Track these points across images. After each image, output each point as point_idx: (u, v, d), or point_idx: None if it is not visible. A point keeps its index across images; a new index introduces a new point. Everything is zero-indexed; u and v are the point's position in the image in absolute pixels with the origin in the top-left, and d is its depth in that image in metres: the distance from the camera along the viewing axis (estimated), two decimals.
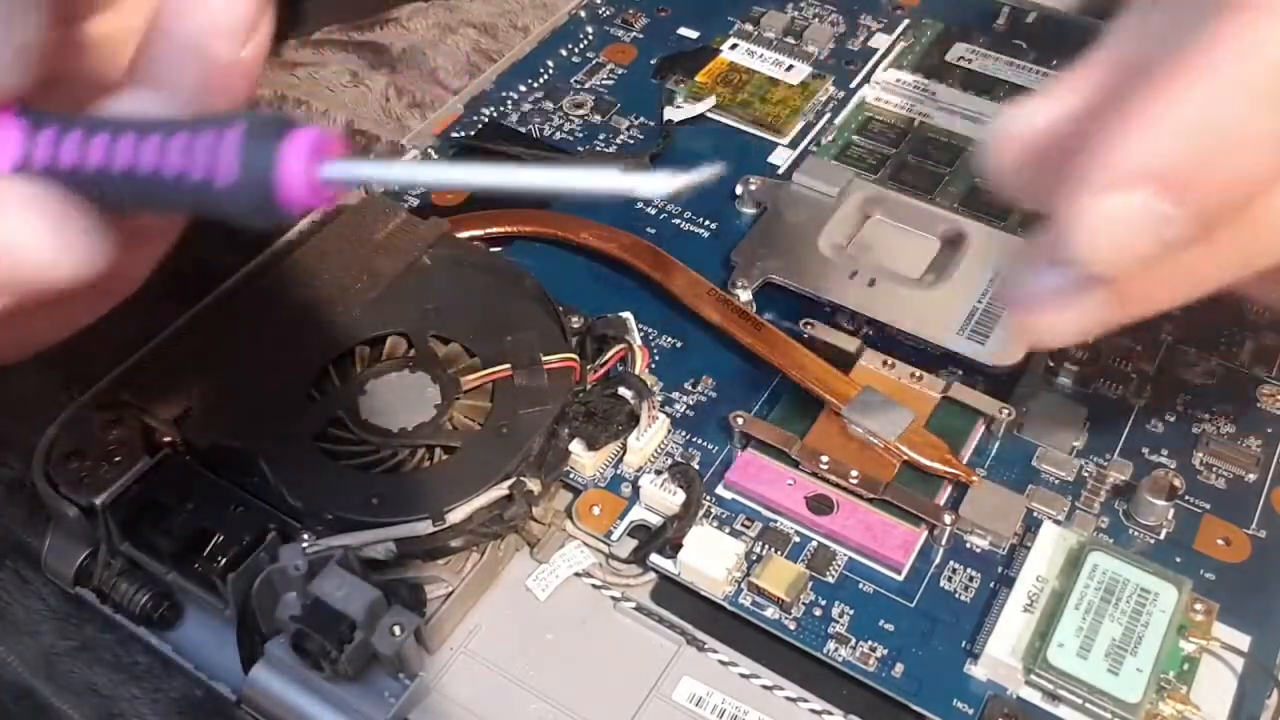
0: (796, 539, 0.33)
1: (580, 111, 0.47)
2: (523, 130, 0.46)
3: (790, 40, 0.49)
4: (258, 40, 0.22)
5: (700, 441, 0.36)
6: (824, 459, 0.34)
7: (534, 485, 0.32)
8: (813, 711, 0.30)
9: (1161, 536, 0.33)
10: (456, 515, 0.31)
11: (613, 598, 0.32)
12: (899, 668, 0.30)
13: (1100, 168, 0.20)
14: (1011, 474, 0.35)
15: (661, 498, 0.33)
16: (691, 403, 0.37)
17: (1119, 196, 0.20)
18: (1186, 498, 0.34)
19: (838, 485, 0.34)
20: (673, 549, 0.32)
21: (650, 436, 0.35)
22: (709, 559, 0.32)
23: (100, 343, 0.41)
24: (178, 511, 0.32)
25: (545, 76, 0.48)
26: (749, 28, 0.50)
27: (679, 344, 0.38)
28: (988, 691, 0.30)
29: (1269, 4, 0.20)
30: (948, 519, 0.32)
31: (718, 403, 0.36)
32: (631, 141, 0.45)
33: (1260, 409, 0.36)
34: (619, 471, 0.35)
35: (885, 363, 0.37)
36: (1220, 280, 0.23)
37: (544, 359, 0.34)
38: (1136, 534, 0.33)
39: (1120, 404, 0.36)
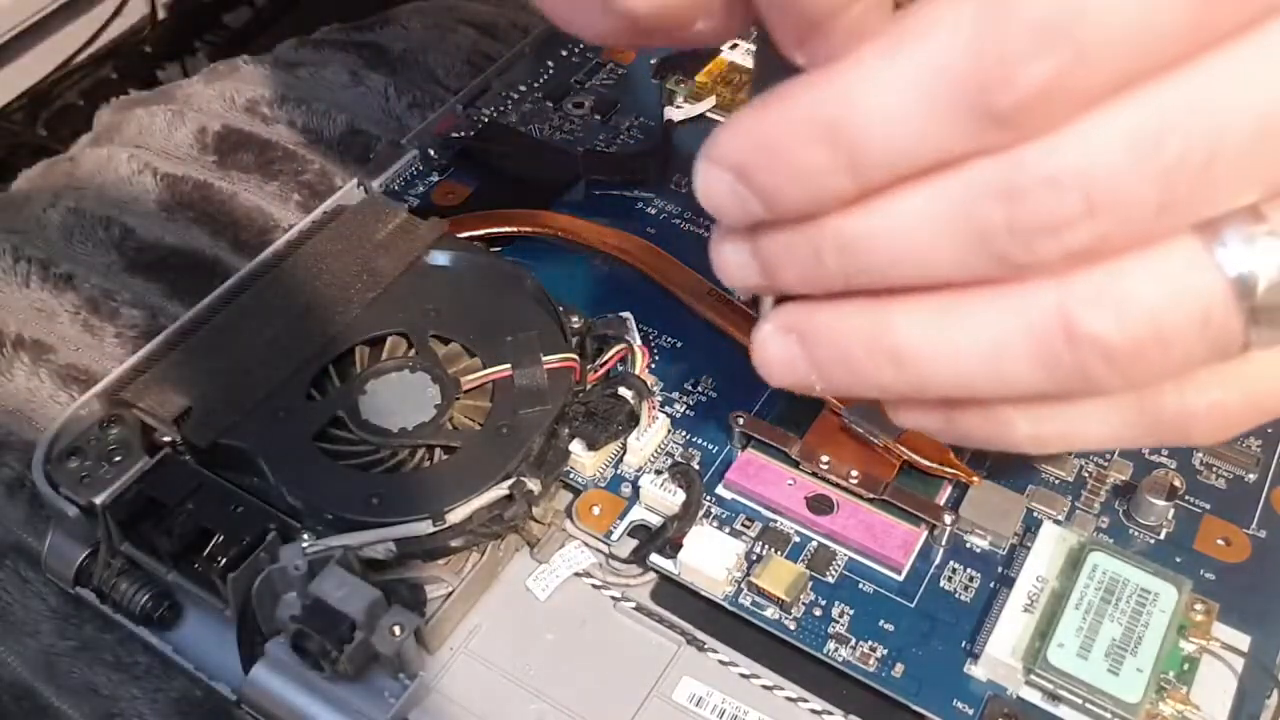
0: (796, 539, 0.33)
1: (580, 111, 0.47)
2: (523, 130, 0.46)
3: None
4: None
5: (700, 441, 0.36)
6: (824, 459, 0.34)
7: (534, 485, 0.32)
8: (813, 711, 0.30)
9: (1161, 536, 0.33)
10: (456, 515, 0.31)
11: (613, 598, 0.32)
12: (899, 668, 0.30)
13: (710, 141, 0.22)
14: (1012, 474, 0.35)
15: (661, 498, 0.33)
16: (691, 403, 0.37)
17: (713, 169, 0.22)
18: (1186, 498, 0.34)
19: (838, 485, 0.33)
20: (673, 549, 0.32)
21: (650, 436, 0.35)
22: (709, 559, 0.32)
23: (100, 343, 0.41)
24: (178, 511, 0.32)
25: (545, 76, 0.48)
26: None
27: (679, 344, 0.38)
28: (988, 691, 0.30)
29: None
30: (948, 519, 0.32)
31: (718, 403, 0.36)
32: (631, 141, 0.45)
33: None
34: (619, 471, 0.35)
35: None
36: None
37: (544, 359, 0.34)
38: (1136, 534, 0.33)
39: None
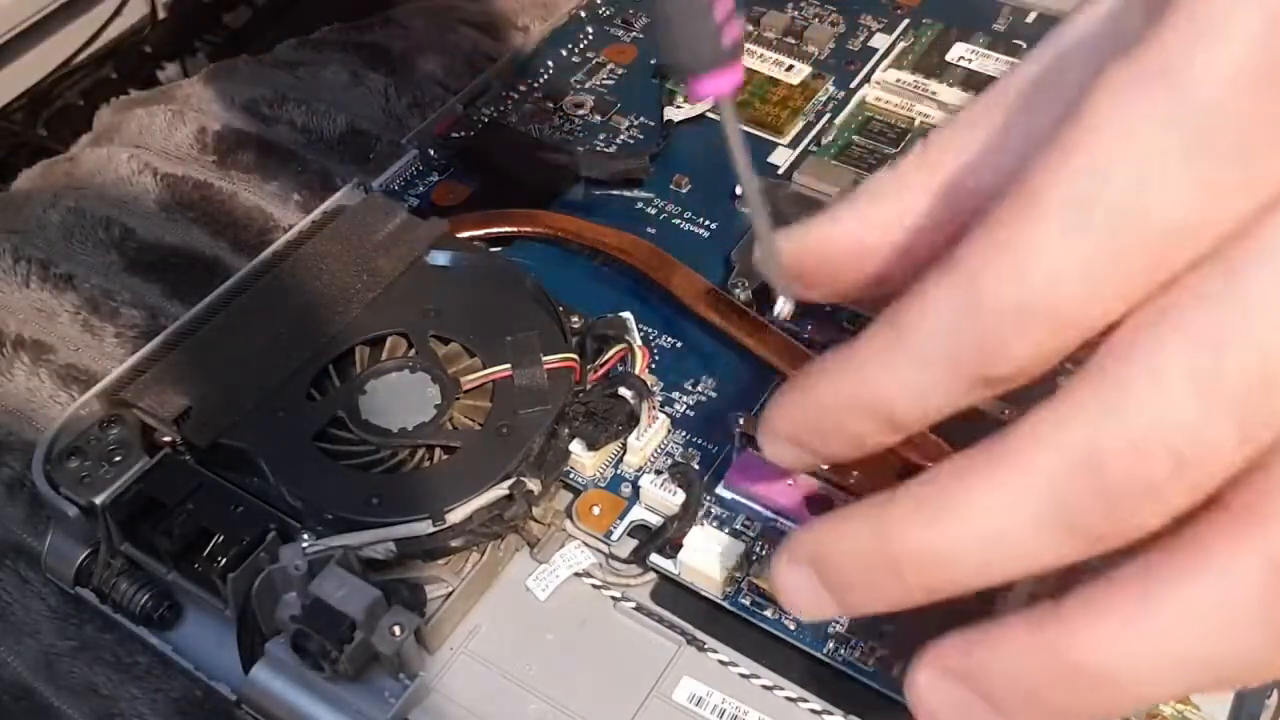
0: None
1: (580, 111, 0.47)
2: (522, 130, 0.46)
3: (790, 40, 0.49)
4: None
5: (700, 441, 0.36)
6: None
7: (534, 485, 0.32)
8: (813, 711, 0.30)
9: None
10: (456, 515, 0.31)
11: (613, 598, 0.32)
12: (899, 667, 0.30)
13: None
14: None
15: (661, 498, 0.33)
16: (691, 403, 0.37)
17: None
18: None
19: (838, 485, 0.33)
20: (673, 549, 0.32)
21: (650, 436, 0.35)
22: (709, 559, 0.32)
23: (100, 343, 0.41)
24: (178, 511, 0.32)
25: (545, 76, 0.48)
26: (749, 28, 0.50)
27: (679, 344, 0.38)
28: None
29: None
30: None
31: (718, 403, 0.36)
32: (631, 141, 0.45)
33: None
34: (619, 471, 0.35)
35: None
36: None
37: (544, 359, 0.34)
38: None
39: None
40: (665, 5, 0.23)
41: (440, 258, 0.38)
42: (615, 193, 0.43)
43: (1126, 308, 0.19)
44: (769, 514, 0.34)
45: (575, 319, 0.37)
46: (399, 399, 0.34)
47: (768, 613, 0.31)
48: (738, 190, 0.42)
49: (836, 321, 0.38)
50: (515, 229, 0.41)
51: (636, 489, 0.34)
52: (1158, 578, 0.19)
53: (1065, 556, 0.20)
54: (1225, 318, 0.18)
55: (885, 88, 0.47)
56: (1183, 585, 0.19)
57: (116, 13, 0.69)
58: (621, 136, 0.46)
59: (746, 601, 0.32)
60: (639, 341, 0.36)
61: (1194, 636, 0.19)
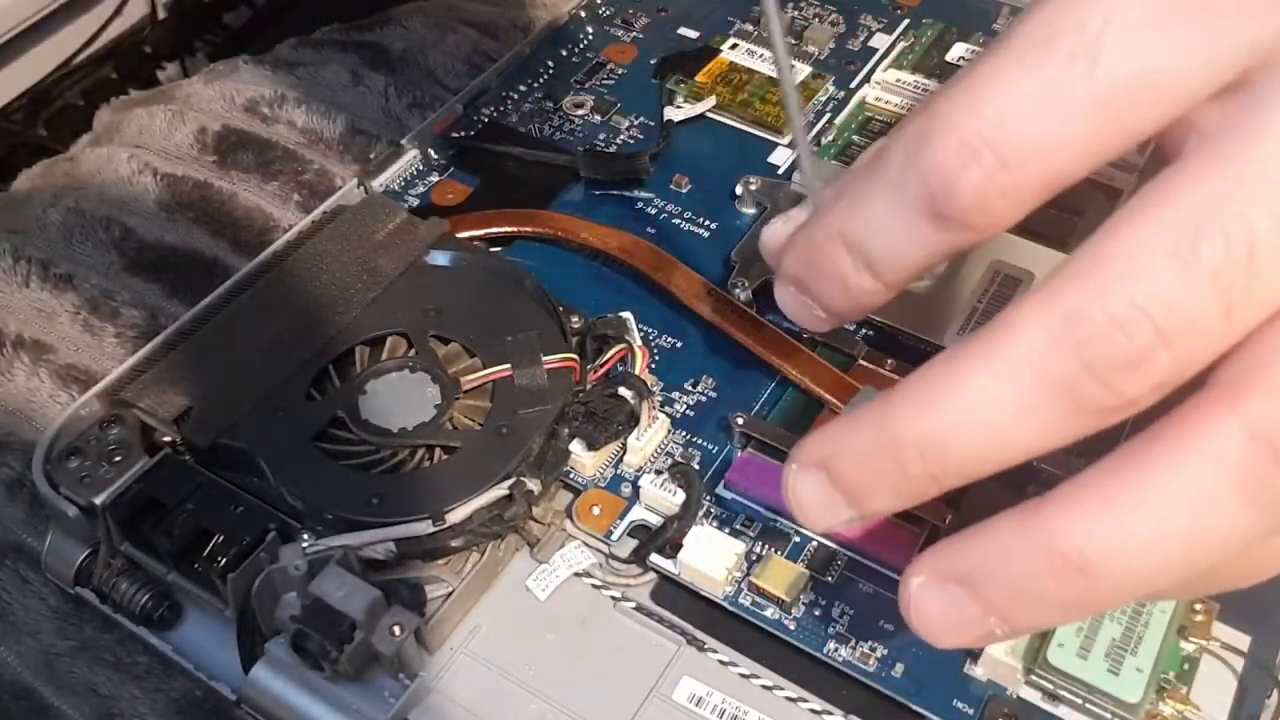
0: (796, 539, 0.33)
1: (580, 111, 0.46)
2: (522, 130, 0.46)
3: (790, 40, 0.49)
4: None
5: (700, 441, 0.36)
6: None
7: (534, 485, 0.32)
8: (813, 711, 0.30)
9: None
10: (456, 515, 0.31)
11: (613, 598, 0.32)
12: (899, 667, 0.30)
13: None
14: (1012, 473, 0.34)
15: (661, 498, 0.33)
16: (691, 403, 0.37)
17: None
18: None
19: None
20: (673, 549, 0.32)
21: (650, 436, 0.35)
22: (709, 559, 0.32)
23: (100, 343, 0.41)
24: (178, 511, 0.32)
25: (545, 76, 0.48)
26: (749, 28, 0.50)
27: (679, 344, 0.38)
28: (988, 691, 0.30)
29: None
30: (948, 518, 0.32)
31: (718, 403, 0.36)
32: (631, 141, 0.45)
33: None
34: (619, 471, 0.35)
35: (885, 363, 0.37)
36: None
37: (544, 359, 0.34)
38: None
39: None
40: None
41: (440, 258, 0.38)
42: (615, 193, 0.43)
43: (1087, 164, 0.20)
44: (769, 514, 0.34)
45: (575, 319, 0.37)
46: (399, 399, 0.34)
47: (768, 613, 0.31)
48: (737, 190, 0.42)
49: None
50: (515, 229, 0.41)
51: (636, 489, 0.34)
52: (1140, 460, 0.19)
53: (1060, 435, 0.20)
54: (1209, 194, 0.19)
55: (885, 88, 0.47)
56: (1163, 466, 0.19)
57: (116, 13, 0.69)
58: (621, 136, 0.46)
59: (746, 601, 0.32)
60: (639, 341, 0.36)
61: (1175, 518, 0.19)
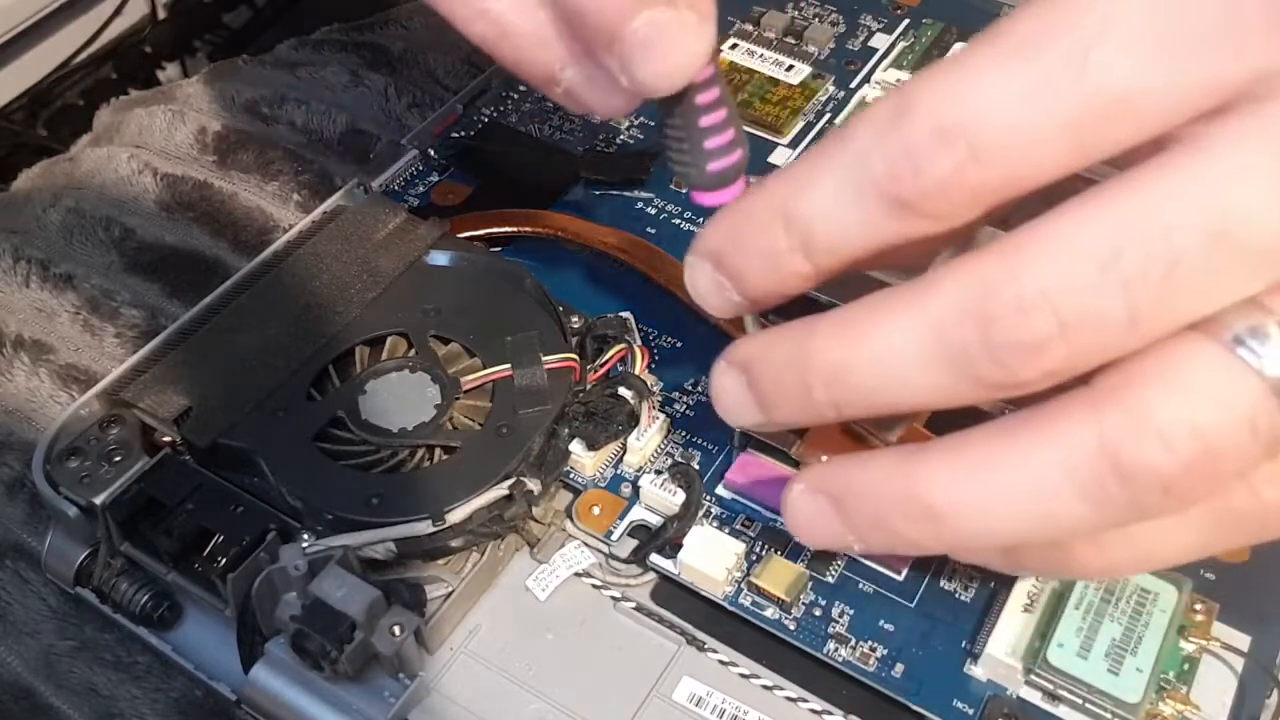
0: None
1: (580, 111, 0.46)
2: (522, 130, 0.46)
3: (790, 40, 0.49)
4: None
5: (700, 441, 0.36)
6: (824, 459, 0.34)
7: (534, 485, 0.32)
8: (813, 711, 0.30)
9: None
10: (456, 515, 0.31)
11: (613, 598, 0.32)
12: (899, 668, 0.30)
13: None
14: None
15: (661, 498, 0.33)
16: (691, 403, 0.37)
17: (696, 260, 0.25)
18: None
19: None
20: (673, 549, 0.32)
21: (650, 436, 0.35)
22: (709, 559, 0.32)
23: (100, 343, 0.41)
24: (178, 511, 0.32)
25: None
26: (749, 28, 0.50)
27: (679, 344, 0.38)
28: (988, 691, 0.30)
29: None
30: None
31: None
32: (631, 141, 0.45)
33: None
34: (619, 471, 0.35)
35: None
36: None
37: (544, 359, 0.34)
38: None
39: None
40: (666, 133, 0.25)
41: (440, 258, 0.38)
42: (615, 193, 0.43)
43: (1050, 174, 0.20)
44: (769, 514, 0.34)
45: (575, 319, 0.37)
46: (399, 399, 0.34)
47: (768, 613, 0.31)
48: None
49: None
50: (515, 229, 0.41)
51: (636, 489, 0.34)
52: (1008, 436, 0.21)
53: (954, 397, 0.21)
54: (1144, 206, 0.19)
55: (885, 88, 0.47)
56: (1024, 447, 0.21)
57: (116, 13, 0.69)
58: (621, 136, 0.46)
59: (746, 601, 0.32)
60: (639, 341, 0.36)
61: (1021, 495, 0.21)
